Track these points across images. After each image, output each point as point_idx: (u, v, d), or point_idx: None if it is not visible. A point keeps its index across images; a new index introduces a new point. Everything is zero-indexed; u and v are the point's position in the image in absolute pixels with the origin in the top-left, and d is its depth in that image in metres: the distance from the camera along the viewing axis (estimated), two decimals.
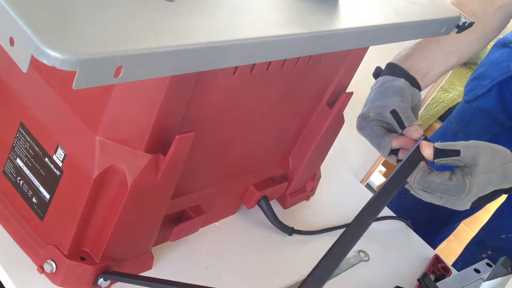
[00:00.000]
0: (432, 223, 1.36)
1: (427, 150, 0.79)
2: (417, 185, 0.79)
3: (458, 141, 1.19)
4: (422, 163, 0.79)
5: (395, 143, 0.83)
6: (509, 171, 0.78)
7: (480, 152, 0.78)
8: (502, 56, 1.24)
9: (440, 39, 0.94)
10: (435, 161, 0.79)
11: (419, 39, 0.94)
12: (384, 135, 0.84)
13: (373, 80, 0.95)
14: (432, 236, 1.37)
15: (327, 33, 0.60)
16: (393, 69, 0.91)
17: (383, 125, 0.86)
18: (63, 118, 0.60)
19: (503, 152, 0.79)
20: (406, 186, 0.82)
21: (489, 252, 1.27)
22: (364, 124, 0.87)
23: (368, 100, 0.88)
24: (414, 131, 0.82)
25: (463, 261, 1.35)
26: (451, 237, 1.50)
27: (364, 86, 1.01)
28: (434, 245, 1.38)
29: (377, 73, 0.93)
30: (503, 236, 1.25)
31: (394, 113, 0.84)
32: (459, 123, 1.32)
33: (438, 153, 0.78)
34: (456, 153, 0.78)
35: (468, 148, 0.79)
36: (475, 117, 1.28)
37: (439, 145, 0.79)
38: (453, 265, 1.34)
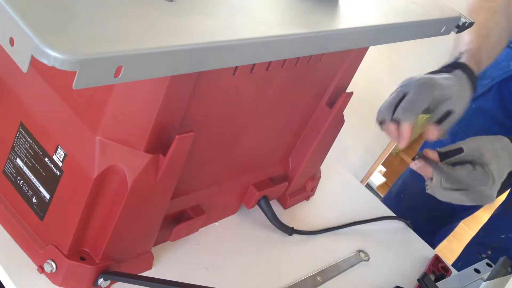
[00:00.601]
0: (432, 223, 1.36)
1: (432, 156, 0.83)
2: (445, 184, 0.82)
3: (458, 140, 1.20)
4: (441, 165, 0.82)
5: (390, 124, 0.82)
6: (510, 159, 0.81)
7: (480, 143, 0.83)
8: (502, 56, 1.24)
9: (485, 35, 0.94)
10: (441, 163, 0.82)
11: (474, 32, 0.93)
12: (416, 114, 0.80)
13: (373, 80, 0.95)
14: (432, 235, 1.37)
15: (327, 33, 0.60)
16: (470, 73, 0.89)
17: (428, 106, 0.82)
18: (63, 118, 0.60)
19: (498, 138, 0.82)
20: (429, 192, 0.84)
21: (489, 252, 1.27)
22: (424, 87, 0.81)
23: (440, 76, 0.85)
24: (432, 132, 0.82)
25: (463, 261, 1.35)
26: (450, 237, 1.50)
27: (364, 86, 1.01)
28: (433, 245, 1.39)
29: (456, 60, 0.89)
30: (502, 236, 1.25)
31: (447, 113, 0.83)
32: (459, 122, 1.32)
33: (443, 155, 0.82)
34: (460, 150, 0.82)
35: (469, 143, 0.83)
36: (474, 117, 1.29)
37: (441, 149, 0.82)
38: (453, 265, 1.34)
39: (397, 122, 0.82)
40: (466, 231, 2.14)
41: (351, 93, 0.84)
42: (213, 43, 0.47)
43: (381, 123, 0.85)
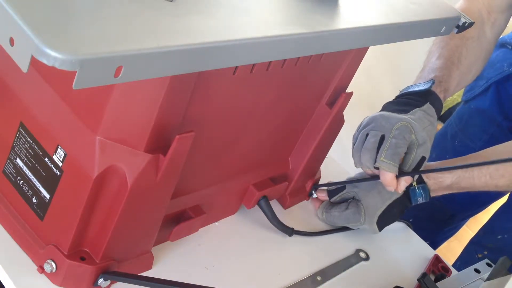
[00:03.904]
0: (433, 224, 1.36)
1: (321, 194, 0.94)
2: (326, 221, 0.92)
3: (457, 141, 1.23)
4: (324, 202, 0.93)
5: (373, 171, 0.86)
6: (385, 191, 0.86)
7: (360, 182, 0.90)
8: (498, 57, 1.25)
9: (456, 62, 0.95)
10: (331, 200, 0.93)
11: (445, 57, 0.94)
12: (398, 163, 0.82)
13: (373, 80, 0.95)
14: (433, 236, 1.37)
15: (327, 33, 0.60)
16: (438, 104, 0.89)
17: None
18: (63, 118, 0.60)
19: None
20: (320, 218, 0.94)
21: (485, 252, 1.27)
22: (404, 132, 0.81)
23: (414, 117, 0.84)
24: (404, 185, 0.84)
25: (461, 261, 1.35)
26: (451, 237, 1.51)
27: (364, 86, 1.01)
28: (436, 245, 1.39)
29: (426, 88, 0.88)
30: (499, 237, 1.25)
31: (422, 159, 0.83)
32: (459, 123, 1.32)
33: (331, 193, 0.93)
34: (342, 188, 0.92)
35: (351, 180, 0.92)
36: (473, 118, 1.29)
37: (330, 188, 0.93)
38: (452, 265, 1.34)
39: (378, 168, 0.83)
40: (466, 231, 2.14)
41: (351, 93, 0.84)
42: (213, 43, 0.47)
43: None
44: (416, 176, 0.87)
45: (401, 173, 0.82)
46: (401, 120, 0.82)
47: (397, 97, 0.91)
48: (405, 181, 0.84)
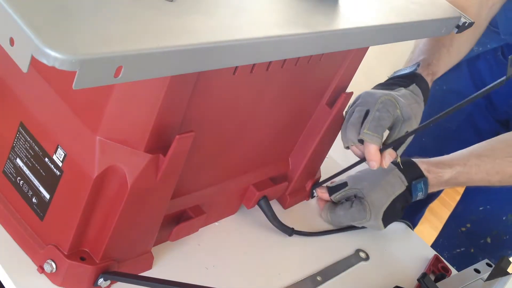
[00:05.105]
0: (411, 206, 1.35)
1: (321, 194, 0.93)
2: (332, 222, 0.92)
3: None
4: (328, 203, 0.93)
5: (357, 148, 0.86)
6: (389, 186, 0.88)
7: (363, 177, 0.90)
8: None
9: (447, 44, 0.95)
10: (331, 197, 0.92)
11: (436, 39, 0.95)
12: (382, 135, 0.83)
13: (373, 80, 0.95)
14: (412, 218, 1.37)
15: (327, 33, 0.60)
16: (424, 86, 0.90)
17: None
18: (63, 118, 0.60)
19: (380, 172, 0.88)
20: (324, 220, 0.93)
21: (468, 226, 1.27)
22: (387, 105, 0.82)
23: (399, 93, 0.85)
24: (389, 159, 0.84)
25: (443, 237, 1.35)
26: (430, 216, 1.50)
27: (364, 86, 1.01)
28: (414, 226, 1.38)
29: (413, 71, 0.90)
30: (481, 208, 1.25)
31: (407, 134, 0.83)
32: (430, 104, 1.31)
33: (332, 190, 0.92)
34: (345, 184, 0.91)
35: (353, 177, 0.92)
36: (448, 98, 1.27)
37: (330, 184, 0.93)
38: (434, 242, 1.33)
39: (363, 143, 0.83)
40: (440, 207, 2.13)
41: (351, 93, 0.85)
42: (213, 43, 0.47)
43: (348, 147, 0.87)
44: (401, 152, 0.87)
45: (383, 146, 0.83)
46: (386, 95, 0.83)
47: (385, 81, 0.93)
48: (390, 155, 0.83)
